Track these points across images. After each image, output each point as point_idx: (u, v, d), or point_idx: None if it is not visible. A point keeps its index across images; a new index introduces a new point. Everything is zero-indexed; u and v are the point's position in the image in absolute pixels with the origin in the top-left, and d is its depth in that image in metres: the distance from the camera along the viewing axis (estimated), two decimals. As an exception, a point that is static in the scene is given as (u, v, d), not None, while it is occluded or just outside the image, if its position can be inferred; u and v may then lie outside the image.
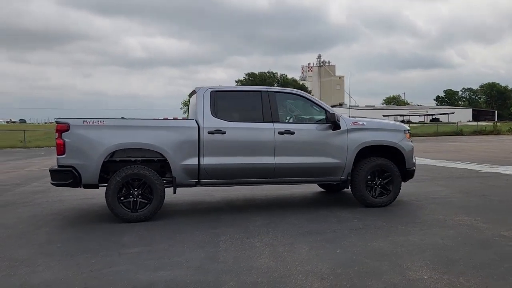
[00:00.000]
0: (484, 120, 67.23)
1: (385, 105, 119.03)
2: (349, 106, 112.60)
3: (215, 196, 8.21)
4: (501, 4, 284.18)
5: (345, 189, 7.56)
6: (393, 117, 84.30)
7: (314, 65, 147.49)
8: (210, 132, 6.29)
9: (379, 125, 7.13)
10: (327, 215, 6.36)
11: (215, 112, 6.42)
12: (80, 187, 6.20)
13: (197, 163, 6.24)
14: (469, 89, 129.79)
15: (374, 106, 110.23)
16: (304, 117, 7.22)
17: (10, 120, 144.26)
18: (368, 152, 7.04)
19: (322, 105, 6.91)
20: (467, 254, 4.46)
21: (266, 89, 6.78)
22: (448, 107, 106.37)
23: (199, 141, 6.26)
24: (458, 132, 40.00)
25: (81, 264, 4.30)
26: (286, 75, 71.60)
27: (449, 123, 61.17)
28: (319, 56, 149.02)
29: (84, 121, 6.03)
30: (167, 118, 7.69)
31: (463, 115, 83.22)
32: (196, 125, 6.29)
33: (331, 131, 6.70)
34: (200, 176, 6.33)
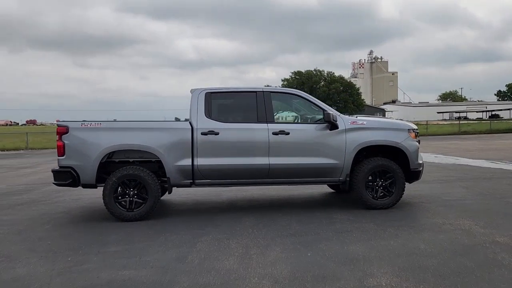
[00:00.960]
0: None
1: (440, 101, 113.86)
2: (402, 103, 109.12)
3: (222, 196, 8.27)
4: None
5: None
6: (448, 113, 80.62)
7: (366, 61, 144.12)
8: (203, 133, 6.37)
9: (380, 124, 6.87)
10: (321, 217, 6.23)
11: (209, 114, 6.49)
12: (79, 187, 6.48)
13: (190, 164, 6.34)
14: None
15: (428, 102, 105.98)
16: (308, 116, 7.11)
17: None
18: (371, 152, 6.83)
19: (320, 105, 6.77)
20: (442, 261, 4.22)
21: (261, 89, 6.74)
22: (509, 102, 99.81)
23: (192, 142, 6.35)
24: (514, 129, 37.46)
25: (58, 261, 4.52)
26: (333, 73, 70.06)
27: (510, 119, 57.43)
28: (371, 52, 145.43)
29: (82, 123, 6.31)
30: None
31: (526, 111, 77.84)
32: (190, 127, 6.38)
33: (328, 131, 6.55)
34: (194, 176, 6.42)
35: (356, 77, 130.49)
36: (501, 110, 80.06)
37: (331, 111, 6.61)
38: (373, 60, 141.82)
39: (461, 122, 44.65)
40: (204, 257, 4.52)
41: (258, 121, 6.52)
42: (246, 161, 6.42)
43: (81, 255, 4.73)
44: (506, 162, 13.03)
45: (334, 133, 6.55)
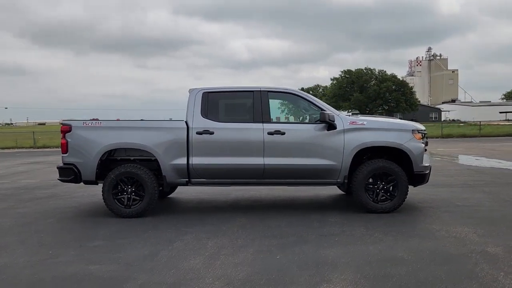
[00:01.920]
0: None
1: (504, 100, 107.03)
2: (462, 102, 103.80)
3: (230, 195, 8.27)
4: None
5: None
6: (511, 113, 75.74)
7: (424, 59, 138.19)
8: (199, 133, 6.41)
9: (381, 125, 6.58)
10: (313, 219, 6.08)
11: (205, 113, 6.53)
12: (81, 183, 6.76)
13: (185, 162, 6.41)
14: None
15: (490, 101, 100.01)
16: (306, 116, 6.97)
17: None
18: (376, 154, 6.57)
19: (319, 104, 6.61)
20: (412, 270, 3.98)
21: (258, 89, 6.67)
22: None
23: (187, 142, 6.42)
24: None
25: (39, 254, 4.74)
26: (385, 71, 67.74)
27: None
28: (429, 49, 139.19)
29: (83, 122, 6.58)
30: None
31: None
32: (185, 126, 6.46)
33: (325, 131, 6.37)
34: (190, 175, 6.49)
35: (413, 75, 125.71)
36: None
37: (328, 110, 6.43)
38: (432, 57, 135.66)
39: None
40: (173, 256, 4.56)
41: (254, 120, 6.47)
42: (240, 161, 6.40)
43: (63, 248, 4.93)
44: (551, 166, 12.03)
45: (331, 134, 6.36)
